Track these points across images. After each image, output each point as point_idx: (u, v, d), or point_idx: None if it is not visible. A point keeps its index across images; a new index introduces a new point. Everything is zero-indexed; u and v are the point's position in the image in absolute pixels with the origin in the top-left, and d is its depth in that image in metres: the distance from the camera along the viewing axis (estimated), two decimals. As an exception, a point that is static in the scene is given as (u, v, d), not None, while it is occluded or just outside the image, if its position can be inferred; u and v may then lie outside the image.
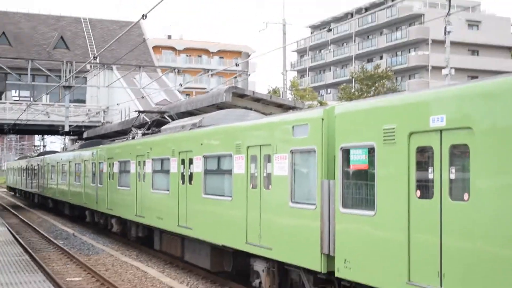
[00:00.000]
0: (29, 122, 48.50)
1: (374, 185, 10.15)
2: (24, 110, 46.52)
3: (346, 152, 10.94)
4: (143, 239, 24.37)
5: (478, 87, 8.44)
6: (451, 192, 8.63)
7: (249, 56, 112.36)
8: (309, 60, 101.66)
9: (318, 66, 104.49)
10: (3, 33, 62.29)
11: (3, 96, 50.52)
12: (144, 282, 17.92)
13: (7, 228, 26.78)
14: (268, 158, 13.71)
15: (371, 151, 10.27)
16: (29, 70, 40.82)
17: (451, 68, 54.43)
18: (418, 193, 9.22)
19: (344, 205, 10.93)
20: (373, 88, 58.54)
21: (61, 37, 63.69)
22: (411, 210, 9.28)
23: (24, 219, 38.55)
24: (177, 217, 19.01)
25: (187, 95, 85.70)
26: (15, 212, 44.67)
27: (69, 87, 40.36)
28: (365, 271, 10.36)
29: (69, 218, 38.48)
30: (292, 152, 12.74)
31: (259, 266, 14.38)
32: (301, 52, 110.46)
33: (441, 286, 8.68)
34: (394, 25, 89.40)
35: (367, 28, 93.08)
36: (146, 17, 14.11)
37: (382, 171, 9.97)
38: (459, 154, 8.59)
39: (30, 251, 22.95)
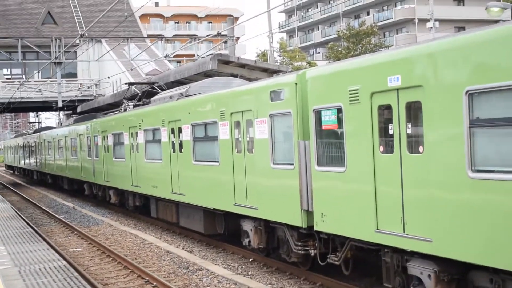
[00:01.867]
0: (22, 100, 49.07)
1: (343, 143, 10.95)
2: (17, 89, 47.06)
3: (318, 114, 11.72)
4: (141, 208, 25.26)
5: (426, 47, 9.18)
6: (409, 146, 9.44)
7: (237, 19, 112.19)
8: (297, 20, 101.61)
9: (306, 25, 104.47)
10: (-10, 12, 62.57)
11: (-5, 76, 51.05)
12: (142, 248, 18.83)
13: (9, 205, 27.62)
14: (250, 123, 14.49)
15: (339, 111, 11.05)
16: (19, 48, 41.17)
17: (436, 20, 54.89)
18: (381, 148, 10.03)
19: (319, 164, 11.75)
20: (359, 46, 59.06)
21: (48, 13, 63.87)
22: (376, 164, 10.10)
23: (25, 196, 39.41)
24: (170, 185, 19.84)
25: (177, 62, 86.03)
26: (15, 190, 45.52)
27: (59, 63, 40.79)
28: (339, 223, 11.23)
29: (69, 193, 39.37)
30: (271, 116, 13.51)
31: (247, 226, 15.26)
32: (289, 12, 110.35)
33: (404, 231, 9.54)
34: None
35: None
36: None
37: (349, 130, 10.77)
38: (413, 110, 9.37)
39: (33, 225, 23.82)
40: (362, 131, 10.39)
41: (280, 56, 67.36)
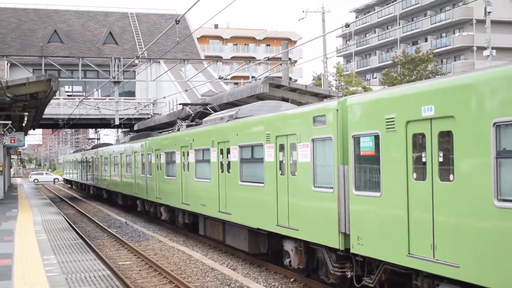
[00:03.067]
0: (82, 117, 50.66)
1: (379, 169, 11.34)
2: (77, 106, 48.60)
3: (357, 140, 12.14)
4: (190, 225, 25.90)
5: (458, 80, 9.55)
6: (440, 174, 9.78)
7: (295, 42, 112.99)
8: (354, 45, 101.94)
9: (363, 50, 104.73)
10: (55, 31, 64.77)
11: (57, 92, 52.70)
12: (188, 264, 19.40)
13: (64, 217, 28.61)
14: (294, 147, 14.98)
15: (376, 138, 11.45)
16: (79, 67, 42.65)
17: (494, 48, 54.58)
18: (415, 175, 10.39)
19: (357, 188, 12.15)
20: (415, 72, 59.03)
21: (110, 33, 65.87)
22: (410, 190, 10.45)
23: (80, 210, 40.57)
24: (218, 204, 20.43)
25: (235, 84, 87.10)
26: (71, 204, 46.84)
27: (117, 82, 42.09)
28: (374, 247, 11.58)
29: (122, 208, 40.37)
30: (313, 140, 13.98)
31: (288, 246, 15.69)
32: (347, 37, 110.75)
33: (433, 256, 9.86)
34: (438, 6, 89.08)
35: (411, 10, 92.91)
36: (178, 22, 15.37)
37: (385, 156, 11.15)
38: (445, 140, 9.72)
39: (84, 237, 24.67)
40: (398, 158, 10.76)
41: (336, 81, 67.66)
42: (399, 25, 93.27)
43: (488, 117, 8.73)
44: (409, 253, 10.47)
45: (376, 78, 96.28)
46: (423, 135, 10.17)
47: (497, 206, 8.60)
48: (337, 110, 12.94)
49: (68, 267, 14.32)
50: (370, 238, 11.68)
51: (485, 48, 54.52)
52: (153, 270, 18.75)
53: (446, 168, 9.67)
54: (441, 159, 9.77)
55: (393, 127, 10.86)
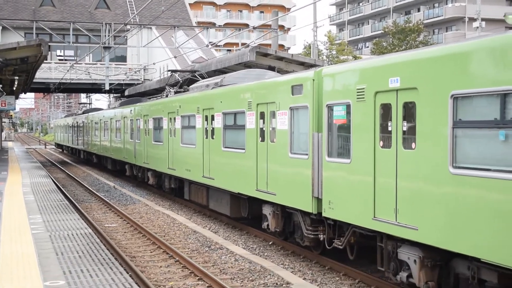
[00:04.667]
0: (73, 81, 50.91)
1: (350, 137, 11.88)
2: (67, 70, 48.85)
3: (330, 109, 12.66)
4: (176, 190, 26.49)
5: (421, 53, 10.08)
6: (404, 142, 10.33)
7: (288, 10, 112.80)
8: (347, 12, 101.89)
9: (356, 19, 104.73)
10: (47, -6, 64.64)
11: (48, 56, 52.91)
12: (172, 227, 20.02)
13: (52, 180, 29.16)
14: (273, 114, 15.49)
15: (348, 107, 11.97)
16: (71, 32, 42.80)
17: (485, 20, 54.91)
18: (381, 143, 10.94)
19: (329, 155, 12.71)
20: (404, 42, 59.31)
21: (102, -3, 65.74)
22: (376, 158, 11.01)
23: (70, 174, 41.10)
24: (202, 169, 20.98)
25: (228, 50, 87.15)
26: (62, 168, 47.35)
27: (108, 47, 42.33)
28: (343, 211, 12.18)
29: (112, 173, 40.92)
30: (291, 109, 14.49)
31: (266, 210, 16.30)
32: (340, 5, 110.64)
33: (396, 220, 10.45)
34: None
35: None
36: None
37: (355, 125, 11.69)
38: (409, 110, 10.25)
39: (73, 200, 25.25)
40: (366, 126, 11.30)
41: (327, 49, 67.76)
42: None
43: (447, 89, 9.24)
44: (374, 217, 11.05)
45: (368, 47, 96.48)
46: (389, 106, 10.69)
47: (452, 173, 9.16)
48: (313, 80, 13.43)
49: (53, 226, 14.95)
50: (340, 202, 12.26)
51: (476, 20, 54.85)
52: (137, 232, 19.35)
53: (410, 137, 10.21)
54: (405, 129, 10.31)
55: (363, 97, 11.38)
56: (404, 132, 10.35)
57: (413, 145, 10.08)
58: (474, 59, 8.90)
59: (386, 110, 10.85)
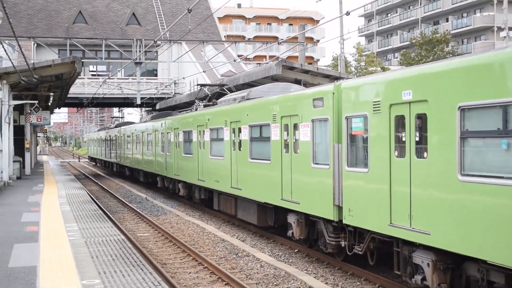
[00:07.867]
0: (105, 96, 52.14)
1: (367, 147, 12.51)
2: (100, 86, 50.07)
3: (349, 120, 13.31)
4: (206, 201, 27.23)
5: (430, 67, 10.69)
6: (416, 152, 10.93)
7: (317, 22, 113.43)
8: (376, 24, 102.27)
9: (385, 30, 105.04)
10: (80, 12, 66.13)
11: (81, 72, 54.24)
12: (201, 236, 20.75)
13: (86, 192, 30.11)
14: (296, 127, 16.17)
15: (365, 119, 12.61)
16: (103, 48, 44.02)
17: (510, 29, 54.93)
18: (396, 153, 11.55)
19: (349, 165, 13.34)
20: (432, 53, 59.64)
21: (133, 14, 67.09)
22: (392, 167, 11.62)
23: (104, 186, 42.12)
24: (230, 180, 21.71)
25: (257, 63, 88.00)
26: (95, 180, 48.44)
27: (139, 62, 43.43)
28: (362, 218, 12.79)
29: (144, 185, 41.87)
30: (313, 121, 15.16)
31: (291, 219, 16.94)
32: (368, 17, 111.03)
33: (410, 225, 11.03)
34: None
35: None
36: (190, 11, 16.50)
37: (372, 136, 12.32)
38: (421, 121, 10.86)
39: (106, 210, 26.13)
40: (382, 137, 11.92)
41: (356, 61, 68.30)
42: (420, 5, 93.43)
43: (454, 101, 9.84)
44: (391, 223, 11.65)
45: (397, 58, 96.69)
46: (403, 117, 11.30)
47: (460, 180, 9.74)
48: (333, 93, 14.08)
49: (88, 233, 15.82)
50: (359, 210, 12.87)
51: (503, 29, 55.00)
52: (168, 241, 20.10)
53: (422, 146, 10.82)
54: (417, 139, 10.92)
55: (379, 109, 12.00)
56: (416, 142, 10.95)
57: (425, 154, 10.68)
58: (477, 72, 9.49)
59: (400, 121, 11.46)
